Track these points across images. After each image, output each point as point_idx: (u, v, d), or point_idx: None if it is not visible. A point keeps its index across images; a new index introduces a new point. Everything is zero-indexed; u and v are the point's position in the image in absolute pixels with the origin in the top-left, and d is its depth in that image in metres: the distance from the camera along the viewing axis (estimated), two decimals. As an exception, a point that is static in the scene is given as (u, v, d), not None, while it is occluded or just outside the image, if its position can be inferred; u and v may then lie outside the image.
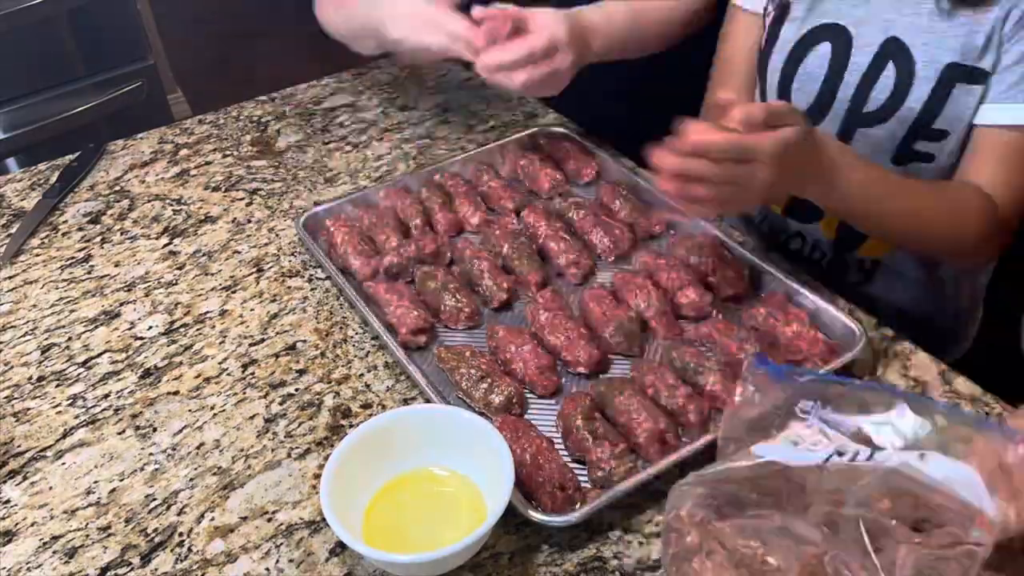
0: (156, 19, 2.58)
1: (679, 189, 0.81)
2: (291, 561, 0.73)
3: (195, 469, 0.81)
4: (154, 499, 0.79)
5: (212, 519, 0.77)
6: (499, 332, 0.89)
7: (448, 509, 0.74)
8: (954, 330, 1.19)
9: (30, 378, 0.92)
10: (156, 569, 0.73)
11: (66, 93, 2.08)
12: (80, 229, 1.15)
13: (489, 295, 0.95)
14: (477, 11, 1.02)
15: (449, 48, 1.03)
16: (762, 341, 0.86)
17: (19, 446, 0.85)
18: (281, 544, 0.74)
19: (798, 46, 1.05)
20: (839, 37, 1.01)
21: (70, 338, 0.97)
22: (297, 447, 0.83)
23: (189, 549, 0.74)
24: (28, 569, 0.74)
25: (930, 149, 1.00)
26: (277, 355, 0.93)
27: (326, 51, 1.36)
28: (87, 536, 0.76)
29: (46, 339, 0.97)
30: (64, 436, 0.85)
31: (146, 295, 1.02)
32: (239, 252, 1.08)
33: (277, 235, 1.10)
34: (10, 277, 1.07)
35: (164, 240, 1.11)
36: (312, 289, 1.01)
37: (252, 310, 0.99)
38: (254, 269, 1.05)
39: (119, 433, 0.85)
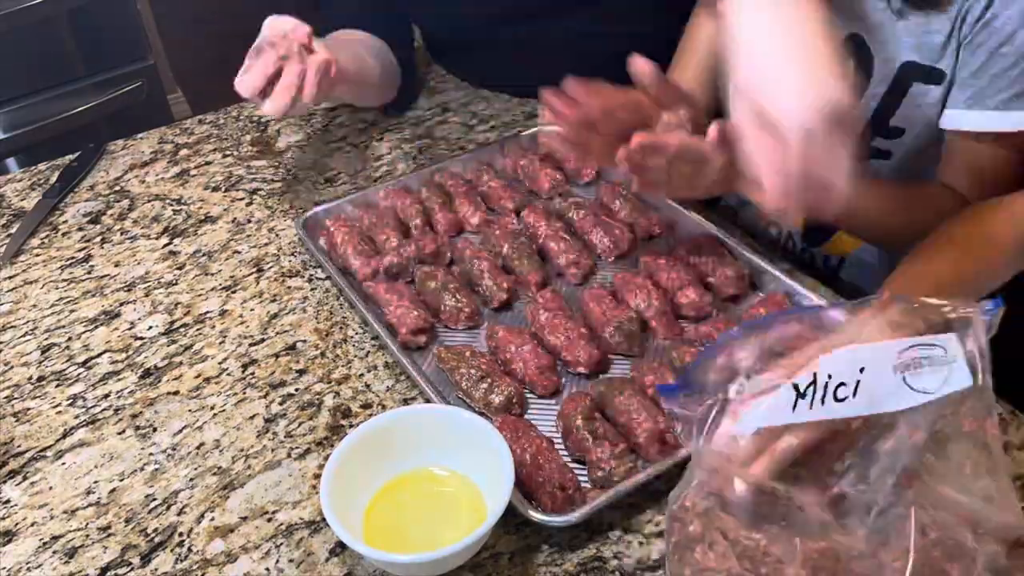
0: (156, 19, 2.57)
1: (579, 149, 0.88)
2: (291, 561, 0.73)
3: (195, 469, 0.81)
4: (154, 499, 0.79)
5: (212, 519, 0.77)
6: (499, 332, 0.89)
7: (448, 509, 0.74)
8: None
9: (30, 378, 0.92)
10: (156, 569, 0.73)
11: (66, 93, 2.08)
12: (80, 229, 1.14)
13: (489, 295, 0.95)
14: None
15: None
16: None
17: (19, 446, 0.85)
18: (281, 544, 0.74)
19: None
20: None
21: (70, 338, 0.97)
22: (297, 447, 0.82)
23: (189, 549, 0.74)
24: (28, 569, 0.74)
25: (887, 146, 1.01)
26: (277, 355, 0.93)
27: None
28: (87, 536, 0.76)
29: (46, 339, 0.97)
30: (64, 436, 0.85)
31: (146, 295, 1.02)
32: (239, 252, 1.08)
33: (277, 235, 1.10)
34: (10, 277, 1.07)
35: (164, 240, 1.11)
36: (312, 289, 1.01)
37: (252, 310, 0.99)
38: (254, 269, 1.05)
39: (119, 433, 0.85)
